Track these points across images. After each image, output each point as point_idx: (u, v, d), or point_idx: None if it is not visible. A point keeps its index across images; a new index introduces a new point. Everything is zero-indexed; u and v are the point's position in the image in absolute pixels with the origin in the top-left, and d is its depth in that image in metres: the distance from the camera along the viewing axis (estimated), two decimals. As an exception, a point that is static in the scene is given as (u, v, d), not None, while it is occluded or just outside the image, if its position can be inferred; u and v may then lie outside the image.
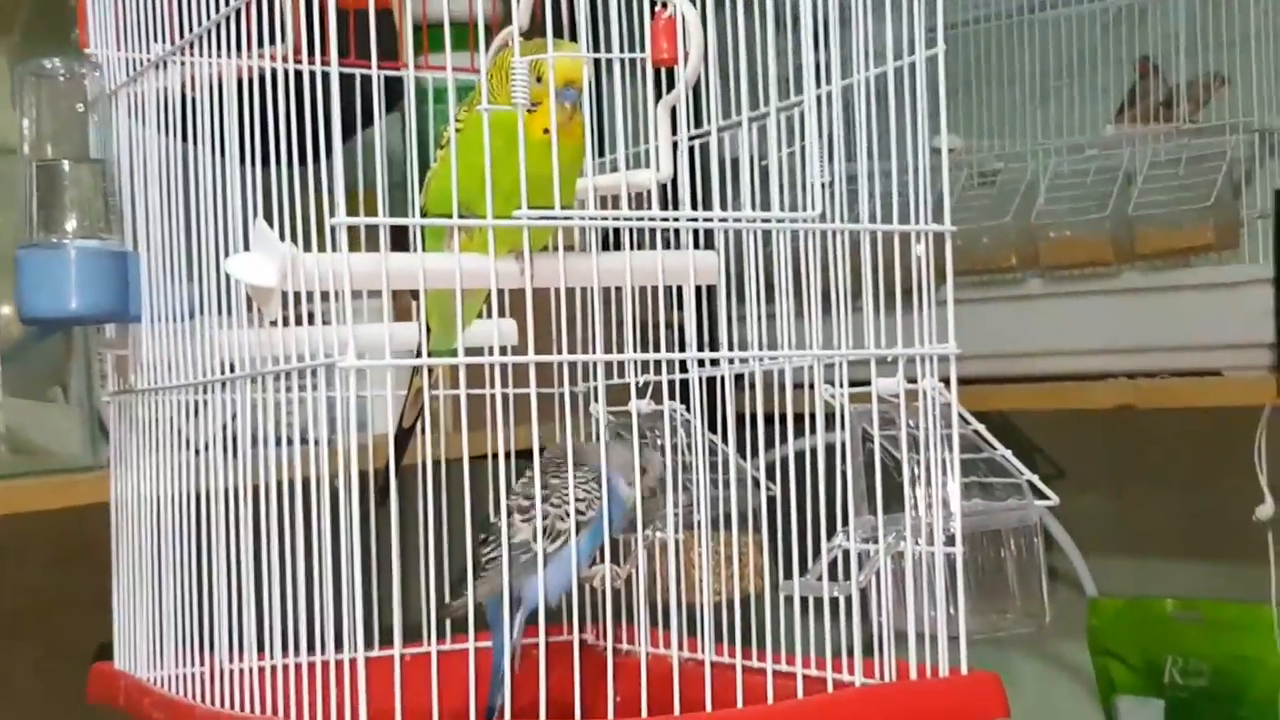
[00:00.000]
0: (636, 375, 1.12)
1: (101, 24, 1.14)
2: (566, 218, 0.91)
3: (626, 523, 1.11)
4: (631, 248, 0.95)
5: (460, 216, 0.91)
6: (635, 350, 1.06)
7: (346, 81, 0.99)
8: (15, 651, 1.57)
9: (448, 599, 1.06)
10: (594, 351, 0.98)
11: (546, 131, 0.92)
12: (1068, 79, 1.89)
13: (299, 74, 0.93)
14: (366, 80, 1.11)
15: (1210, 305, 1.71)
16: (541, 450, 1.03)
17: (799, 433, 1.04)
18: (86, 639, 1.29)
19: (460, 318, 0.90)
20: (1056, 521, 1.91)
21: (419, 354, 1.02)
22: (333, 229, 0.86)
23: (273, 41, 0.98)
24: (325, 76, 0.86)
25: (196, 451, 1.03)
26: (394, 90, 1.25)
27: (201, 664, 1.02)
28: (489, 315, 1.06)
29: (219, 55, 0.98)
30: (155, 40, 1.07)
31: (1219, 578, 1.92)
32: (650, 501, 1.11)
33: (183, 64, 1.03)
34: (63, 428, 1.45)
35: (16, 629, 1.58)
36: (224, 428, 0.99)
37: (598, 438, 1.18)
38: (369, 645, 0.89)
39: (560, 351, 0.93)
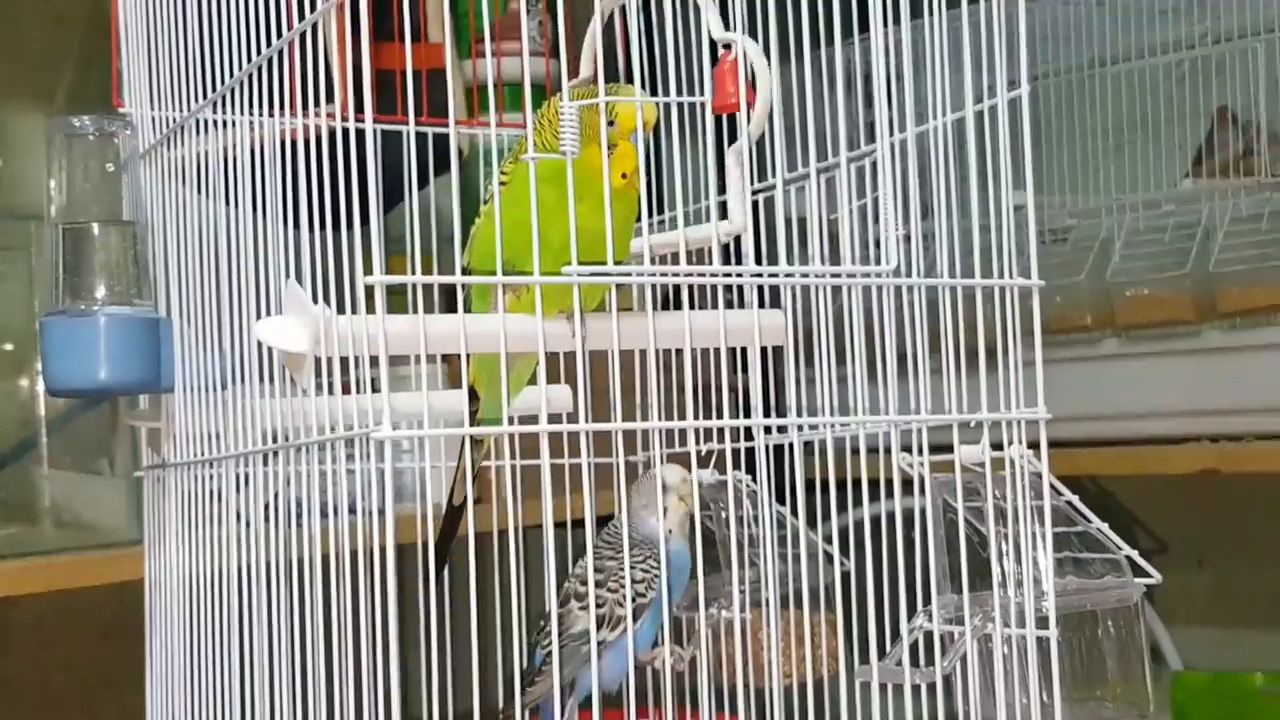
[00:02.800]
0: (698, 444, 1.04)
1: (136, 81, 1.07)
2: (622, 274, 0.82)
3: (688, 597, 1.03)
4: (691, 308, 0.87)
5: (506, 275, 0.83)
6: (697, 417, 0.97)
7: (397, 140, 0.93)
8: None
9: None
10: (652, 419, 0.91)
11: (625, 176, 0.84)
12: (1142, 132, 1.80)
13: (345, 133, 0.85)
14: (421, 139, 1.04)
15: (1297, 364, 1.62)
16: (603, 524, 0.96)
17: (874, 503, 0.95)
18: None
19: (506, 383, 0.81)
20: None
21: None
22: (368, 289, 0.78)
23: (315, 102, 0.91)
24: (373, 135, 0.78)
25: (242, 523, 0.96)
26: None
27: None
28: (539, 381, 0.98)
29: (259, 114, 0.91)
30: (191, 98, 1.00)
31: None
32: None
33: (223, 124, 0.97)
34: (107, 501, 1.40)
35: (58, 707, 1.53)
36: (268, 501, 0.92)
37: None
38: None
39: (616, 419, 0.85)
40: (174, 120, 1.01)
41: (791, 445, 0.96)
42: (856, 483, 0.98)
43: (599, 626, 0.95)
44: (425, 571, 0.98)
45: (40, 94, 1.41)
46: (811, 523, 1.01)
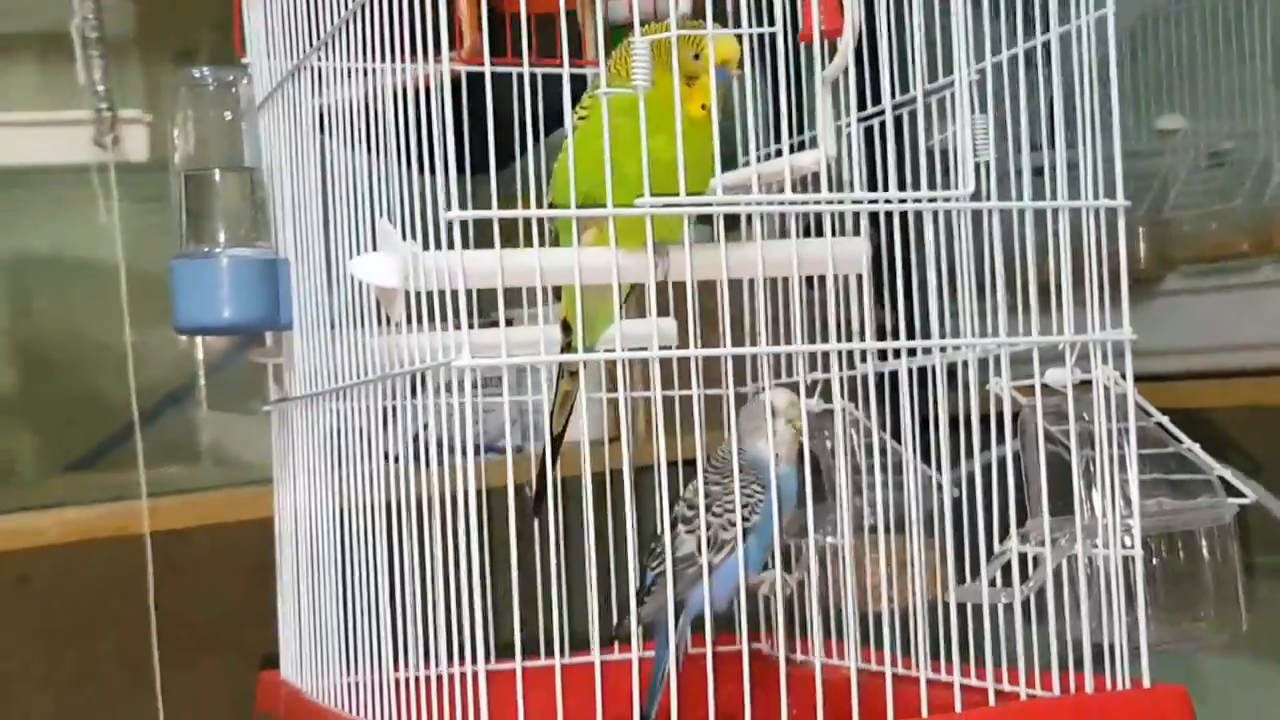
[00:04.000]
0: (806, 371, 1.05)
1: (255, 33, 1.11)
2: (695, 204, 0.84)
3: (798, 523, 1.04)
4: (799, 234, 0.88)
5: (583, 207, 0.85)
6: (803, 342, 0.98)
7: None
8: (215, 657, 1.58)
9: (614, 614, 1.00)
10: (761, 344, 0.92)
11: (704, 108, 0.86)
12: (1201, 72, 1.75)
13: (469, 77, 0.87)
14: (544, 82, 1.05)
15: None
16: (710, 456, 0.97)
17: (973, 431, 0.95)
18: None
19: (580, 314, 0.83)
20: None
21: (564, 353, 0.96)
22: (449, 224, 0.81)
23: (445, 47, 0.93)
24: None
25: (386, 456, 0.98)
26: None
27: (351, 675, 0.98)
28: (642, 314, 0.99)
29: (373, 59, 0.93)
30: (303, 47, 1.03)
31: None
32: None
33: (341, 73, 0.99)
34: (261, 439, 1.44)
35: (217, 638, 1.59)
36: (413, 436, 0.95)
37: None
38: (526, 656, 0.83)
39: (727, 344, 0.86)
40: (286, 69, 1.05)
41: (897, 372, 0.97)
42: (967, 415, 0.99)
43: (703, 549, 0.97)
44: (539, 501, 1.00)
45: (187, 51, 1.46)
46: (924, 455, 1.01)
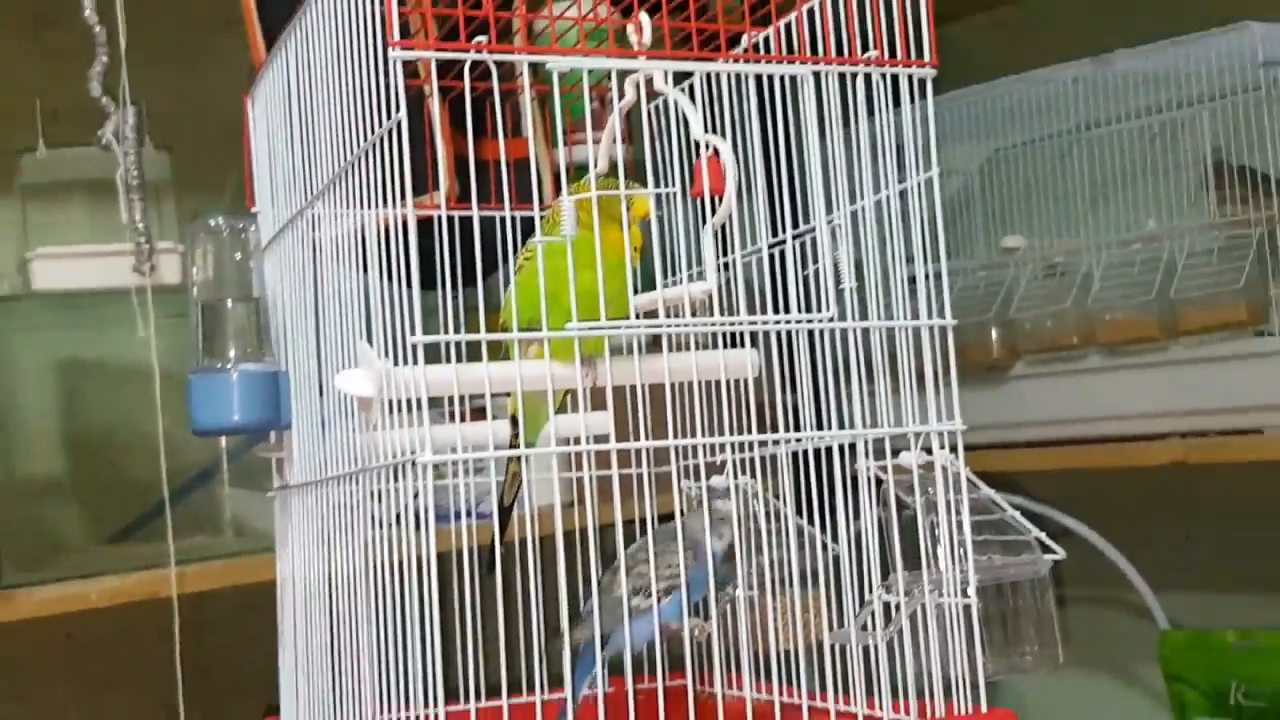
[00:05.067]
0: (710, 455, 1.07)
1: (262, 186, 1.14)
2: (613, 327, 0.87)
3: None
4: (708, 347, 0.90)
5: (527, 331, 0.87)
6: (708, 434, 1.01)
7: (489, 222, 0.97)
8: (235, 705, 1.56)
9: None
10: (670, 437, 0.94)
11: (637, 249, 0.89)
12: (1116, 184, 1.80)
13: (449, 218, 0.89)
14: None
15: (1247, 373, 1.61)
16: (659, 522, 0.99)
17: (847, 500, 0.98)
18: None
19: (522, 415, 0.86)
20: (1130, 565, 1.81)
21: (511, 446, 0.98)
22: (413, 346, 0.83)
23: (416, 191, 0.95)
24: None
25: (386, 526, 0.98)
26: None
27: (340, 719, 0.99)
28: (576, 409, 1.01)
29: (360, 205, 0.96)
30: (299, 200, 1.06)
31: (1274, 609, 1.79)
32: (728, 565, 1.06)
33: (338, 217, 1.02)
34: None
35: (236, 687, 1.54)
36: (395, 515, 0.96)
37: (685, 509, 1.12)
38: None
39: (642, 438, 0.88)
40: (287, 218, 1.07)
41: (783, 456, 1.00)
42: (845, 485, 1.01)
43: (635, 594, 0.98)
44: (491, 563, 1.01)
45: (216, 188, 1.48)
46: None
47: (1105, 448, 1.74)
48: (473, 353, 0.85)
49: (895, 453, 0.94)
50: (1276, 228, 1.63)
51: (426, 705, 0.84)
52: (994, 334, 1.82)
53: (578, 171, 1.49)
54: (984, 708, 0.88)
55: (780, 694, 1.01)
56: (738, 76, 0.93)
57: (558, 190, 1.66)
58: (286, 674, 1.10)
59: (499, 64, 0.85)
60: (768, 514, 1.08)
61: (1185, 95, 1.71)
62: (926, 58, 0.91)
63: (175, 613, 1.33)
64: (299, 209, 1.04)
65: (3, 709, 1.51)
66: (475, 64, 0.85)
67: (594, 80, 0.89)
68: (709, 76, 0.94)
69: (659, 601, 1.01)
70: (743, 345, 0.95)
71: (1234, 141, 1.65)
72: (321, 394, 0.99)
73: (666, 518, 1.04)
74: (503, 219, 1.06)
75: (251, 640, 1.27)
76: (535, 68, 1.19)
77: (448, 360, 0.84)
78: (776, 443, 0.97)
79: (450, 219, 0.88)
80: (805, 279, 0.96)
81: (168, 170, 1.49)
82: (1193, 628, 1.80)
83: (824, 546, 1.12)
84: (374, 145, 0.88)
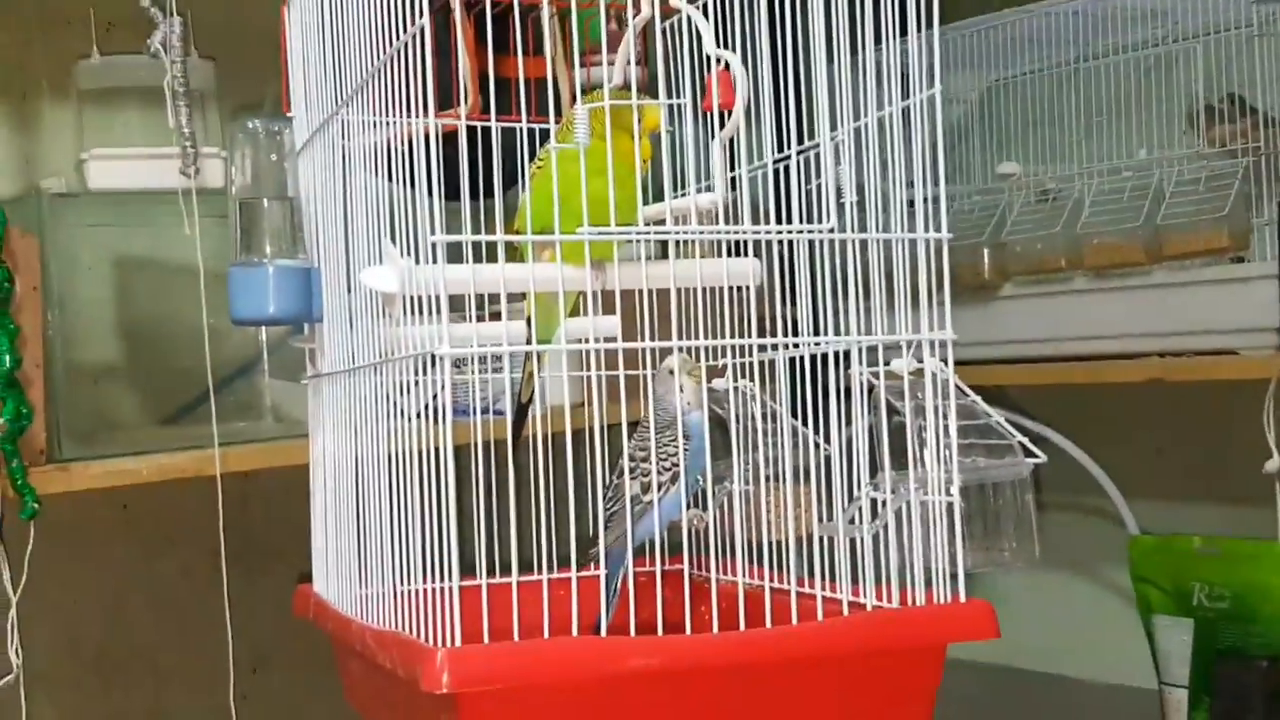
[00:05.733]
0: (713, 358, 1.05)
1: (297, 92, 1.11)
2: (624, 233, 0.84)
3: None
4: (713, 257, 0.88)
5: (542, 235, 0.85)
6: (717, 336, 0.99)
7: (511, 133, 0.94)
8: (275, 570, 1.58)
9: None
10: (674, 339, 0.92)
11: (646, 160, 0.87)
12: (1108, 114, 1.76)
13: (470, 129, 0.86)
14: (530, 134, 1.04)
15: (1225, 297, 1.58)
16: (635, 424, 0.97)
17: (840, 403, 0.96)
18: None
19: (534, 315, 0.84)
20: (1104, 474, 1.79)
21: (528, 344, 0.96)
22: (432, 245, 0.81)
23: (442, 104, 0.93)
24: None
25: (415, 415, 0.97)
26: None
27: (364, 587, 0.98)
28: (586, 312, 0.99)
29: (393, 115, 0.93)
30: (332, 104, 1.03)
31: (1236, 520, 1.77)
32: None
33: (372, 125, 0.99)
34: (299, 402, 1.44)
35: (272, 555, 1.60)
36: (424, 403, 0.94)
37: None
38: (500, 573, 0.84)
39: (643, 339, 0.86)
40: (319, 122, 1.04)
41: (778, 360, 0.98)
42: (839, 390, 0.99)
43: (645, 491, 0.97)
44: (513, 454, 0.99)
45: (253, 102, 1.46)
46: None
47: (1087, 365, 1.72)
48: (491, 255, 0.83)
49: (888, 361, 0.92)
50: (1262, 158, 1.59)
51: (442, 578, 0.82)
52: (985, 256, 1.79)
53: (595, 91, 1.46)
54: (962, 597, 0.87)
55: (770, 580, 0.99)
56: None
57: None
58: (318, 547, 1.10)
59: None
60: (764, 415, 1.06)
61: (1180, 30, 1.67)
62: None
63: (219, 489, 1.33)
64: (329, 115, 1.01)
65: (68, 568, 1.52)
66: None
67: (609, -3, 0.86)
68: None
69: (659, 501, 1.00)
70: (746, 255, 0.93)
71: (1225, 76, 1.61)
72: (350, 290, 0.97)
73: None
74: (522, 131, 1.03)
75: (285, 516, 1.28)
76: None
77: (468, 263, 0.81)
78: (775, 347, 0.95)
79: (472, 131, 0.86)
80: (808, 194, 0.93)
81: (212, 79, 1.47)
82: (1160, 534, 1.78)
83: (816, 446, 1.11)
84: (397, 54, 0.85)
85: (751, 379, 1.06)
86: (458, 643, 0.80)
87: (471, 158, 0.87)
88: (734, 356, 1.02)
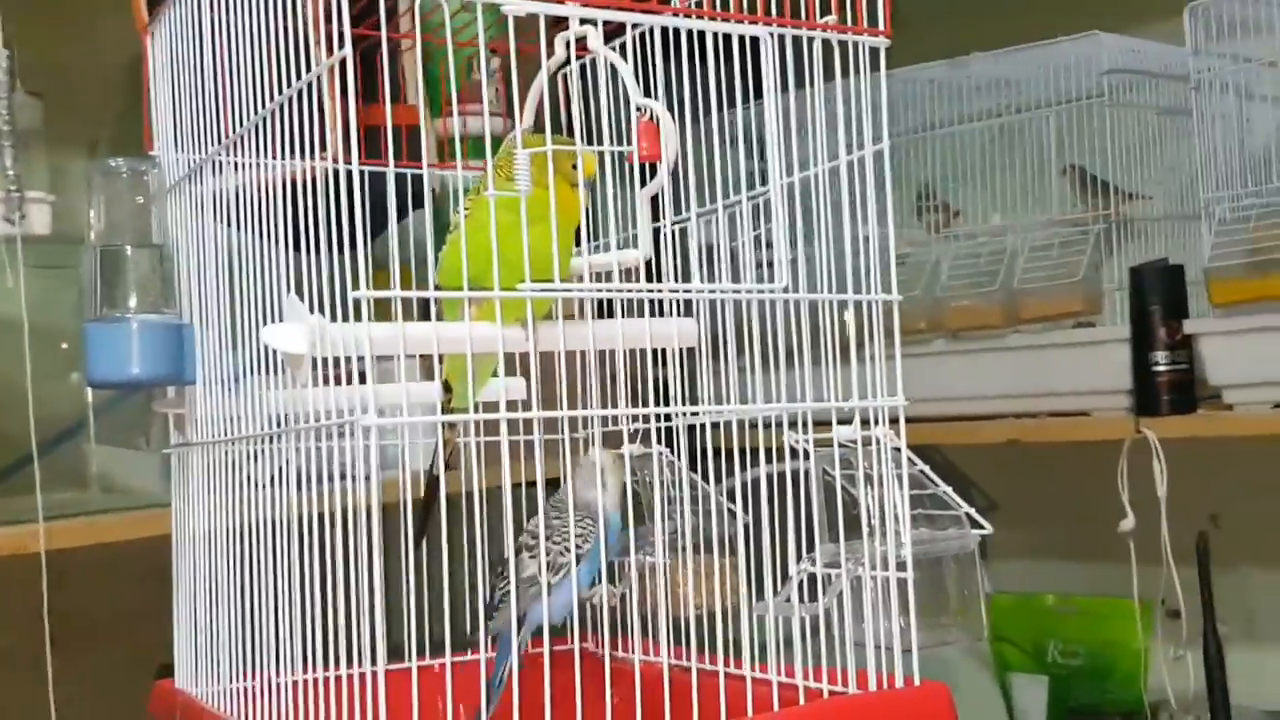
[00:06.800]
0: (628, 424, 0.98)
1: (163, 128, 1.00)
2: (566, 289, 0.77)
3: (620, 548, 0.96)
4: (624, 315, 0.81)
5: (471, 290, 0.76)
6: (627, 405, 0.92)
7: (381, 179, 0.86)
8: (103, 657, 1.44)
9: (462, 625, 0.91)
10: (592, 406, 0.85)
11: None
12: (964, 180, 1.76)
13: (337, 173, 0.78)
14: (401, 179, 0.97)
15: (1080, 359, 1.58)
16: (551, 493, 0.89)
17: (766, 466, 0.90)
18: (162, 652, 1.14)
19: (473, 378, 0.75)
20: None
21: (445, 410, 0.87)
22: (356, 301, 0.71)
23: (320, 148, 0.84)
24: (364, 175, 0.72)
25: (256, 486, 0.88)
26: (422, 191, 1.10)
27: (249, 679, 0.87)
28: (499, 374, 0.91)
29: (266, 157, 0.84)
30: (206, 144, 0.92)
31: (1091, 578, 1.78)
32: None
33: (238, 166, 0.89)
34: (143, 470, 1.31)
35: (103, 640, 1.46)
36: (277, 471, 0.85)
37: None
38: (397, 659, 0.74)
39: (561, 407, 0.79)
40: (193, 161, 0.94)
41: (702, 425, 0.91)
42: (755, 453, 0.93)
43: (543, 571, 0.89)
44: (406, 527, 0.91)
45: (87, 140, 1.33)
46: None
47: (945, 426, 1.70)
48: (381, 313, 0.74)
49: (818, 428, 0.86)
50: (1113, 225, 1.61)
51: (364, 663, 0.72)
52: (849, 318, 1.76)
53: (469, 141, 1.38)
54: (916, 679, 0.81)
55: (688, 660, 0.92)
56: (674, 34, 0.83)
57: (444, 157, 1.54)
58: (183, 635, 0.97)
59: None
60: (678, 482, 0.99)
61: (1034, 99, 1.68)
62: (881, 26, 0.83)
63: (44, 568, 1.18)
64: (207, 155, 0.91)
65: None
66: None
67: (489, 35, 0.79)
68: (638, 37, 0.85)
69: (576, 568, 0.92)
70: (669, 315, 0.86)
71: (1077, 143, 1.63)
72: (235, 350, 0.86)
73: (551, 483, 0.95)
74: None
75: (119, 594, 1.15)
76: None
77: (397, 319, 0.72)
78: (696, 414, 0.88)
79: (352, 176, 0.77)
80: (712, 252, 0.88)
81: (40, 117, 1.33)
82: (1016, 592, 1.78)
83: (732, 515, 1.04)
84: (290, 99, 0.76)
85: (658, 443, 1.00)
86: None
87: (350, 203, 0.78)
88: (643, 422, 0.94)
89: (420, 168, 1.12)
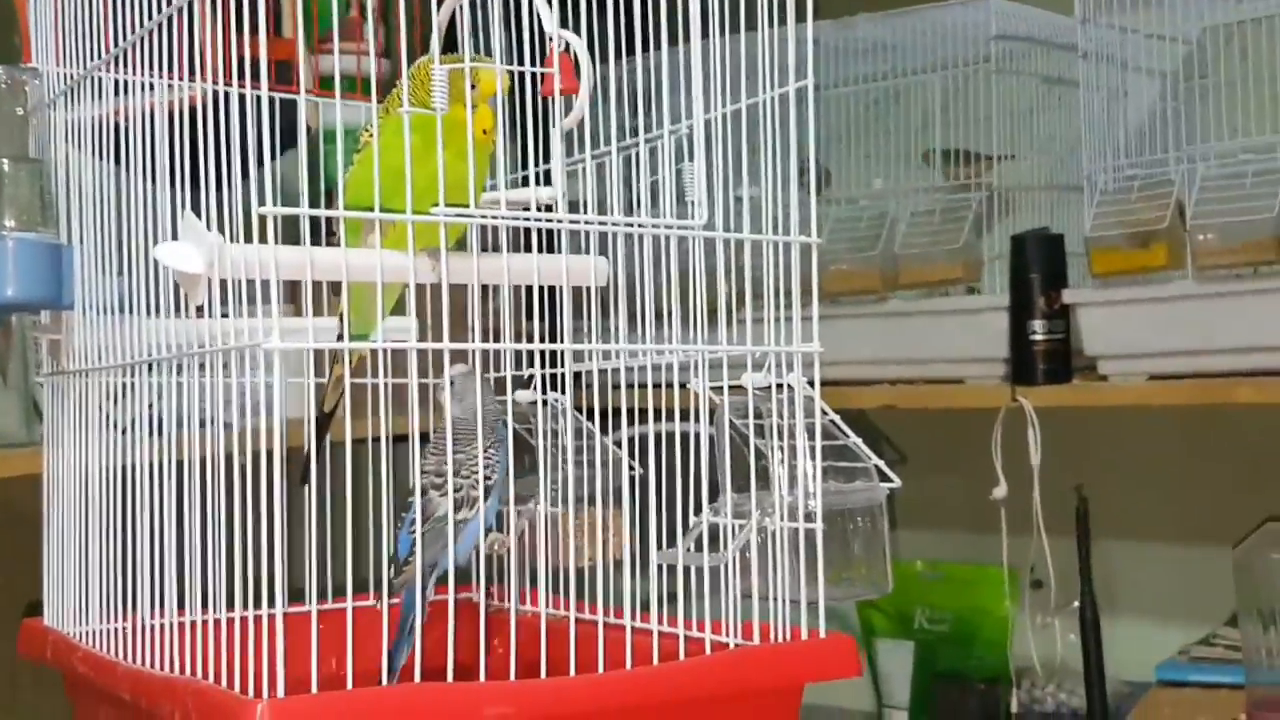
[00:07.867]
0: (523, 368, 0.95)
1: (43, 39, 0.93)
2: (482, 215, 0.73)
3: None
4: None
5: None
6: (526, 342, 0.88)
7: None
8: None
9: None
10: (504, 341, 0.82)
11: (485, 132, 0.75)
12: (847, 143, 1.76)
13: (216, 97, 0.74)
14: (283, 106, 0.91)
15: (957, 326, 1.59)
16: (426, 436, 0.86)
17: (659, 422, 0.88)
18: (20, 597, 1.08)
19: (381, 309, 0.71)
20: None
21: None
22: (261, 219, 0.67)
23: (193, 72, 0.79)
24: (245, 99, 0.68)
25: (121, 430, 0.83)
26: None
27: (124, 620, 0.82)
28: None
29: (149, 75, 0.79)
30: (89, 59, 0.87)
31: (961, 544, 1.81)
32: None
33: (118, 85, 0.84)
34: (2, 408, 1.23)
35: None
36: (149, 408, 0.80)
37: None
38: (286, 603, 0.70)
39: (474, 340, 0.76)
40: (75, 76, 0.88)
41: (591, 372, 0.89)
42: (660, 403, 0.91)
43: (457, 508, 0.85)
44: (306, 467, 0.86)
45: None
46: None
47: (823, 390, 1.70)
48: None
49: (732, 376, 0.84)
50: (995, 194, 1.62)
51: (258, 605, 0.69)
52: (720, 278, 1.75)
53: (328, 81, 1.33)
54: (822, 631, 0.81)
55: (578, 611, 0.90)
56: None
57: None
58: (52, 573, 0.92)
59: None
60: (576, 431, 0.97)
61: (920, 63, 1.69)
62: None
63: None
64: (90, 70, 0.85)
65: None
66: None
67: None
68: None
69: (484, 503, 0.88)
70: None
71: (961, 110, 1.64)
72: (122, 272, 0.81)
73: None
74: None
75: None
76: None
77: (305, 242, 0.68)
78: (616, 355, 0.86)
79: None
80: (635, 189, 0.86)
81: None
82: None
83: (631, 468, 1.03)
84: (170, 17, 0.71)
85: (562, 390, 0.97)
86: (280, 691, 0.66)
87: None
88: (551, 366, 0.92)
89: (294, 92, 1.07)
